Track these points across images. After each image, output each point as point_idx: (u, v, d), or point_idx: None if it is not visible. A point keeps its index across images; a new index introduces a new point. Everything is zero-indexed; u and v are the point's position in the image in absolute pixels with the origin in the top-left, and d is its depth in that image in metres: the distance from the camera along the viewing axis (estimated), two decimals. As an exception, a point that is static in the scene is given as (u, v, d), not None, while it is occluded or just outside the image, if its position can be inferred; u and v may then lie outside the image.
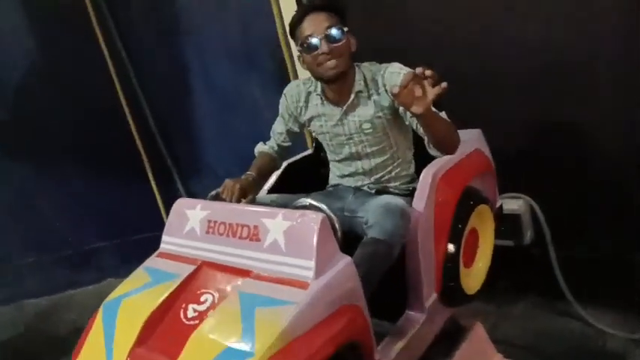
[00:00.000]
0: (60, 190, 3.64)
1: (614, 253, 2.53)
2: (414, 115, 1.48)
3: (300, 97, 1.91)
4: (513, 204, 2.54)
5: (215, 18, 3.20)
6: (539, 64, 2.39)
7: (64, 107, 3.53)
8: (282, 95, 1.97)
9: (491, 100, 2.47)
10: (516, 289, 2.72)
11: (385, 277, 1.67)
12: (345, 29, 1.70)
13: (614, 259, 2.53)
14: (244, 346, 1.22)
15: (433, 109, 1.54)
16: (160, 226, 3.62)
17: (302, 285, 1.33)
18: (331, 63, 1.70)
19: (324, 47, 1.68)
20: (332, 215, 1.48)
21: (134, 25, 3.48)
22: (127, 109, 3.54)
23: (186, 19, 3.32)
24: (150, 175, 3.67)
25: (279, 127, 2.01)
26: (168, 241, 1.71)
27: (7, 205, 3.65)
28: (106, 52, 3.45)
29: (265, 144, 2.03)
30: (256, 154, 2.01)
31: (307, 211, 1.43)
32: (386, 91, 1.74)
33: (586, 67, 2.32)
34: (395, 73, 1.72)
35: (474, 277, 2.00)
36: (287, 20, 2.48)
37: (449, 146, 1.67)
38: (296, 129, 1.99)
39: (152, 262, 1.70)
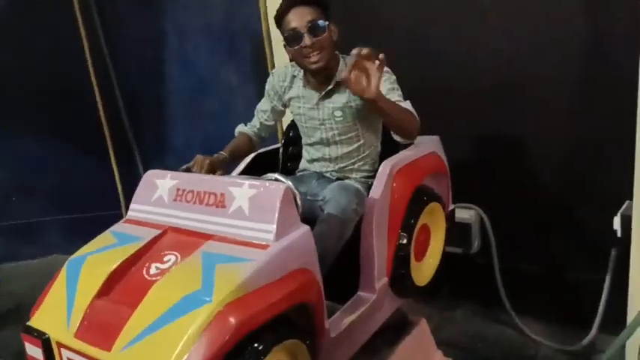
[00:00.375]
0: (14, 158, 3.54)
1: (552, 267, 2.72)
2: (368, 102, 1.62)
3: (286, 77, 2.04)
4: (465, 214, 2.70)
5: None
6: (494, 79, 2.59)
7: (29, 71, 3.45)
8: (270, 74, 2.09)
9: (451, 111, 2.65)
10: (459, 294, 2.88)
11: (339, 262, 1.80)
12: (327, 23, 1.83)
13: (552, 274, 2.72)
14: (203, 294, 1.30)
15: (397, 98, 1.69)
16: (115, 206, 3.60)
17: (262, 246, 1.43)
18: (314, 57, 1.83)
19: (307, 40, 1.81)
20: (295, 191, 1.59)
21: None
22: (95, 82, 3.51)
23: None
24: (111, 152, 3.65)
25: (263, 105, 2.12)
26: (136, 209, 1.78)
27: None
28: (79, 18, 3.42)
29: (246, 125, 2.13)
30: (235, 135, 2.11)
31: (272, 181, 1.53)
32: None
33: (537, 83, 2.53)
34: None
35: (423, 270, 2.13)
36: (270, 9, 2.61)
37: (406, 131, 1.84)
38: (280, 107, 2.10)
39: (119, 226, 1.76)
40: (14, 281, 3.46)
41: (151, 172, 1.81)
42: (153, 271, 1.51)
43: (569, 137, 2.52)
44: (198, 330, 1.25)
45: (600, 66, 2.38)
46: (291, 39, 1.83)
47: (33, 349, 1.52)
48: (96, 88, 3.56)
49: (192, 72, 3.39)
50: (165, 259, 1.54)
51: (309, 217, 1.75)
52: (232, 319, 1.26)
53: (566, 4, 2.39)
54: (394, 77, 1.90)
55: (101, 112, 3.60)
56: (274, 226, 1.44)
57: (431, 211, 2.07)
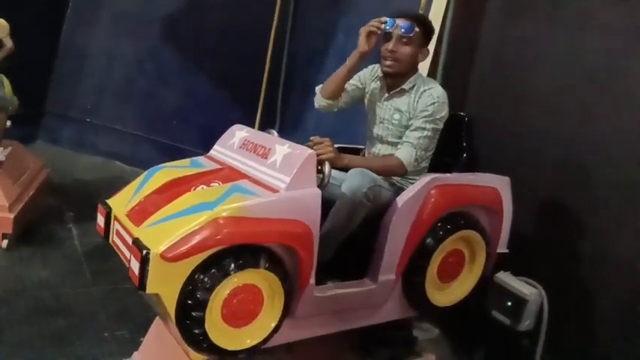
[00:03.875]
0: (187, 91, 4.43)
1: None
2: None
3: (374, 72, 2.28)
4: (526, 289, 2.56)
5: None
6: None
7: (225, 32, 4.39)
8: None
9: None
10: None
11: (356, 247, 1.99)
12: (412, 43, 2.08)
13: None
14: (211, 205, 1.64)
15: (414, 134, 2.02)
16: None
17: (274, 190, 1.72)
18: (388, 62, 2.10)
19: (391, 45, 2.08)
20: (328, 166, 1.84)
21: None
22: (269, 55, 4.25)
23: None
24: (259, 112, 4.30)
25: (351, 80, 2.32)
26: (215, 149, 2.19)
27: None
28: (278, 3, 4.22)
29: None
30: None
31: (305, 147, 1.81)
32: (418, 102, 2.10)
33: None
34: (430, 96, 2.07)
35: (445, 294, 2.20)
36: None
37: (387, 174, 2.09)
38: (360, 85, 2.30)
39: (198, 157, 2.19)
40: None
41: (236, 126, 2.22)
42: (198, 189, 1.88)
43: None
44: (194, 225, 1.58)
45: None
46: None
47: (100, 218, 1.99)
48: (268, 61, 4.27)
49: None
50: (211, 184, 1.91)
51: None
52: (222, 227, 1.57)
53: None
54: (432, 115, 2.06)
55: (264, 79, 4.30)
56: (289, 179, 1.72)
57: (466, 238, 2.14)
